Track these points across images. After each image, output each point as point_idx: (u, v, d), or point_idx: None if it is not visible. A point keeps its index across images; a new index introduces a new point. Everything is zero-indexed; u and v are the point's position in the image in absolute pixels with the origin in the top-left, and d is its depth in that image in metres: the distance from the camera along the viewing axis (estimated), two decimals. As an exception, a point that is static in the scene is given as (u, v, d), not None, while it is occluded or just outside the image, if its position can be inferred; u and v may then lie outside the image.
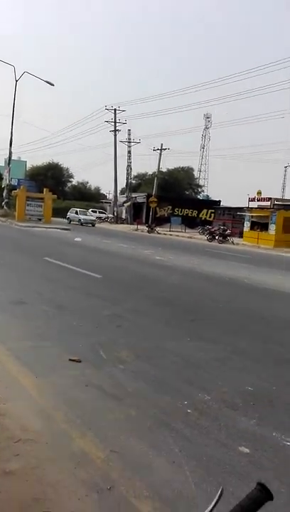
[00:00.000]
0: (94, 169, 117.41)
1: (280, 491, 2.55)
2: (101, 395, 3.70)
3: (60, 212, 41.44)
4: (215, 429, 3.24)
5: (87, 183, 69.49)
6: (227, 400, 3.78)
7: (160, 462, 2.77)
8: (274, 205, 32.80)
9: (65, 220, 39.44)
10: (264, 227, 29.80)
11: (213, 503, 0.81)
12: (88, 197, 62.34)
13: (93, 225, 38.28)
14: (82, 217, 39.44)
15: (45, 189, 35.86)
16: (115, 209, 50.42)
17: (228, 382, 4.18)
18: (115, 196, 52.29)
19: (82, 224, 37.70)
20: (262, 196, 34.19)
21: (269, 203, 32.81)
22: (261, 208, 31.91)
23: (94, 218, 41.22)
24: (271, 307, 8.36)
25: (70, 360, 4.42)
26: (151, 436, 3.07)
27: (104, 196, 71.06)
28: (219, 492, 0.83)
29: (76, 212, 40.69)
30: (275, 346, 5.62)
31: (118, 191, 53.64)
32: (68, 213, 41.15)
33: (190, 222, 44.34)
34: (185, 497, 2.44)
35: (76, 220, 39.06)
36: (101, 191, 73.93)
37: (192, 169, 71.58)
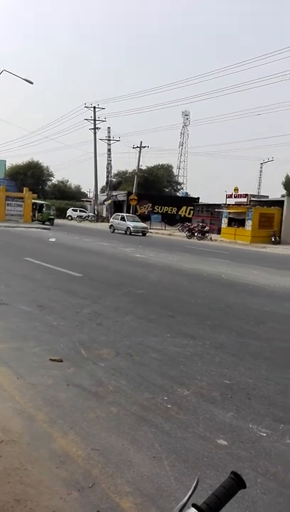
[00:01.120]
0: (75, 167, 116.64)
1: (257, 481, 2.64)
2: (82, 394, 3.72)
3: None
4: (194, 422, 3.32)
5: (67, 181, 69.03)
6: (205, 393, 3.86)
7: (140, 458, 2.82)
8: (251, 201, 33.27)
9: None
10: (241, 223, 30.20)
11: (189, 493, 0.84)
12: (68, 196, 61.89)
13: (144, 234, 30.09)
14: (131, 224, 30.40)
15: (24, 188, 35.61)
16: (96, 207, 50.25)
17: (206, 377, 4.26)
18: (96, 195, 52.11)
19: (130, 233, 29.53)
20: (239, 193, 34.61)
21: (245, 200, 33.25)
22: (238, 205, 32.32)
23: (146, 225, 32.52)
24: (248, 302, 8.51)
25: (51, 359, 4.43)
26: (132, 433, 3.12)
27: (84, 195, 70.69)
28: (194, 482, 0.87)
29: (122, 218, 31.69)
30: (251, 340, 5.74)
31: (98, 189, 53.46)
32: (111, 219, 33.74)
33: (169, 220, 44.55)
34: (166, 491, 2.49)
35: (122, 229, 30.66)
36: (82, 190, 73.60)
37: (171, 167, 71.89)
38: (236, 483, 0.86)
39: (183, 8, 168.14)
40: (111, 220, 33.88)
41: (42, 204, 35.98)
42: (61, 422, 3.21)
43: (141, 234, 29.98)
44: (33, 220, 34.48)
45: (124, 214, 34.05)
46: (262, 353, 5.22)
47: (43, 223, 33.50)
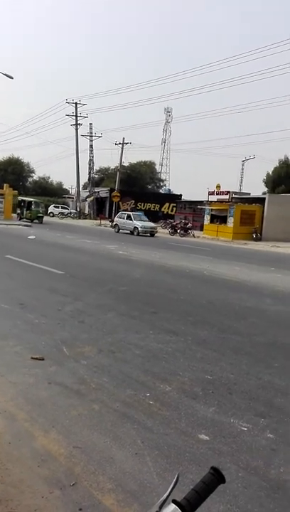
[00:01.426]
0: (56, 164, 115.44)
1: (238, 475, 2.67)
2: (64, 392, 3.70)
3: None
4: (176, 418, 3.33)
5: (49, 178, 68.43)
6: (187, 389, 3.89)
7: (123, 454, 2.82)
8: (232, 198, 33.55)
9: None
10: (223, 220, 30.43)
11: (169, 489, 0.85)
12: (50, 192, 61.38)
13: (152, 235, 27.51)
14: (138, 224, 27.57)
15: (5, 185, 35.03)
16: (78, 204, 49.92)
17: (188, 372, 4.29)
18: (78, 191, 51.74)
19: (138, 234, 26.90)
20: (221, 190, 34.86)
21: (227, 197, 33.51)
22: (220, 202, 32.55)
23: (155, 225, 29.51)
24: (229, 298, 8.59)
25: (32, 358, 4.39)
26: (114, 430, 3.12)
27: (66, 191, 70.13)
28: (175, 478, 0.87)
29: (128, 217, 28.81)
30: (233, 336, 5.80)
31: (80, 186, 53.12)
32: (116, 218, 30.73)
33: (152, 216, 44.48)
34: (148, 487, 2.50)
35: (128, 229, 28.04)
36: (64, 186, 73.02)
37: (154, 163, 71.92)
38: (216, 478, 0.87)
39: (166, 4, 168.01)
40: (115, 219, 30.81)
41: (30, 201, 34.38)
42: (42, 421, 3.19)
43: (149, 234, 26.98)
44: (20, 218, 33.34)
45: (130, 212, 30.40)
46: (243, 348, 5.28)
47: (32, 221, 32.16)
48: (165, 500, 0.82)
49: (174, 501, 0.81)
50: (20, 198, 36.79)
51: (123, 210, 34.08)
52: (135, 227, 27.64)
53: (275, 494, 2.50)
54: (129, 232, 28.08)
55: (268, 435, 3.17)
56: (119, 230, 29.21)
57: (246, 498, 2.44)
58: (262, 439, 3.12)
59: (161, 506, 0.81)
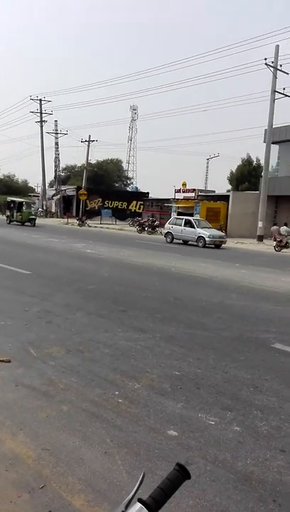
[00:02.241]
0: (21, 162, 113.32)
1: (206, 469, 2.72)
2: (31, 394, 3.65)
3: None
4: (145, 415, 3.35)
5: (14, 176, 67.01)
6: (156, 386, 3.92)
7: (92, 454, 2.81)
8: (198, 196, 33.96)
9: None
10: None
11: (135, 488, 0.85)
12: (15, 191, 60.14)
13: (218, 246, 21.96)
14: (204, 232, 21.59)
15: None
16: (44, 202, 49.13)
17: (157, 369, 4.33)
18: (43, 189, 50.93)
19: (205, 245, 21.32)
20: (187, 187, 35.22)
21: (193, 194, 33.89)
22: (186, 199, 32.87)
23: (223, 234, 23.68)
24: (196, 294, 8.71)
25: (-2, 360, 4.30)
26: (83, 430, 3.10)
27: (32, 189, 68.94)
28: (140, 477, 0.88)
29: (188, 223, 22.52)
30: (200, 331, 5.89)
31: (47, 184, 52.29)
32: (167, 225, 24.15)
33: (120, 215, 44.52)
34: (118, 486, 2.51)
35: (189, 238, 22.38)
36: (29, 184, 71.74)
37: (120, 161, 71.77)
38: (181, 475, 0.88)
39: (133, 1, 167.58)
40: (166, 225, 24.08)
41: (21, 202, 31.31)
42: (10, 424, 3.13)
43: (213, 246, 21.70)
44: (10, 221, 30.88)
45: (190, 218, 23.81)
46: (210, 343, 5.37)
47: (23, 224, 29.97)
48: (131, 500, 0.82)
49: (140, 500, 0.82)
50: (9, 198, 34.34)
51: (178, 215, 27.15)
52: (200, 237, 21.53)
53: (242, 486, 2.57)
54: (189, 242, 22.39)
55: (235, 428, 3.25)
56: (172, 239, 23.01)
57: (214, 492, 2.49)
58: (229, 432, 3.19)
59: (127, 506, 0.82)
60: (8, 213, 32.36)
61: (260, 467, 2.76)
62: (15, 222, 30.77)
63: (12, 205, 31.49)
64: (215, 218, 30.36)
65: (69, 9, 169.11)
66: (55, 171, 52.57)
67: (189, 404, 3.60)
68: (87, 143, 45.39)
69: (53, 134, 50.83)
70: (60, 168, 54.29)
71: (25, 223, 30.14)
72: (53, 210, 49.49)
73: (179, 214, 31.82)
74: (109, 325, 5.89)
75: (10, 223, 30.95)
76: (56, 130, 50.58)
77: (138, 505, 0.81)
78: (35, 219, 30.70)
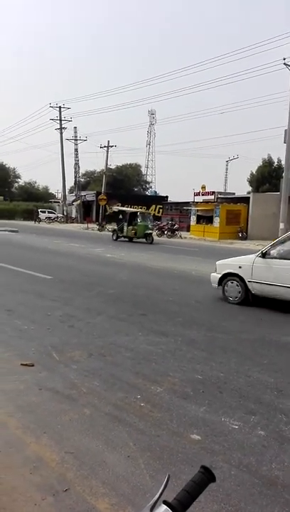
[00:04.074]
0: (42, 168, 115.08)
1: (230, 473, 2.69)
2: (55, 397, 3.68)
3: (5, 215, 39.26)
4: (167, 419, 3.34)
5: (35, 182, 68.10)
6: (178, 390, 3.90)
7: (115, 458, 2.82)
8: (218, 198, 33.78)
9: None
10: (209, 220, 30.61)
11: (160, 490, 0.85)
12: (36, 197, 61.06)
13: None
14: None
15: None
16: (64, 208, 49.66)
17: (179, 373, 4.31)
18: (64, 195, 51.49)
19: None
20: (206, 190, 35.05)
21: (212, 197, 33.70)
22: (205, 202, 32.74)
23: None
24: (217, 297, 8.64)
25: (22, 364, 4.36)
26: (106, 433, 3.11)
27: (52, 196, 69.80)
28: (165, 479, 0.88)
29: None
30: (221, 335, 5.83)
31: (67, 190, 52.88)
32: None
33: (139, 219, 44.52)
34: (141, 489, 2.50)
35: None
36: (50, 191, 72.71)
37: (139, 166, 72.04)
38: (206, 477, 0.88)
39: (148, 7, 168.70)
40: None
41: (134, 213, 24.54)
42: (34, 427, 3.16)
43: None
44: (118, 237, 24.13)
45: None
46: (231, 346, 5.32)
47: (130, 240, 23.77)
48: (156, 502, 0.82)
49: (165, 502, 0.81)
50: (115, 207, 27.63)
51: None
52: None
53: (267, 490, 2.53)
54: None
55: (259, 432, 3.20)
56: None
57: (239, 496, 2.46)
58: (253, 436, 3.14)
59: (152, 508, 0.82)
60: (115, 227, 25.56)
61: (285, 472, 2.71)
62: (122, 238, 24.15)
63: (121, 216, 24.62)
64: (235, 220, 30.11)
65: (86, 14, 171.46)
66: (75, 176, 53.12)
67: (212, 408, 3.57)
68: (106, 148, 45.76)
69: (73, 141, 51.43)
70: (80, 174, 54.83)
71: (136, 239, 23.67)
72: (73, 216, 49.96)
73: (199, 217, 31.73)
74: (130, 329, 5.90)
75: (117, 239, 24.12)
76: (75, 136, 51.16)
77: (164, 507, 0.81)
78: (151, 234, 23.66)
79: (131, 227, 23.63)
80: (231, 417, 3.42)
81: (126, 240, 23.90)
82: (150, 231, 23.68)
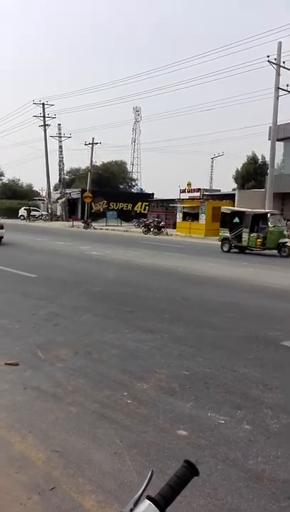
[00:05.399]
0: (26, 166, 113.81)
1: (217, 467, 2.70)
2: (40, 396, 3.65)
3: None
4: (154, 415, 3.34)
5: (19, 180, 67.26)
6: (164, 386, 3.90)
7: (102, 455, 2.80)
8: (203, 195, 33.87)
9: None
10: (195, 217, 30.75)
11: (143, 486, 0.85)
12: (20, 195, 60.36)
13: None
14: None
15: None
16: (49, 206, 49.32)
17: (165, 369, 4.31)
18: (48, 193, 51.12)
19: None
20: (192, 187, 35.15)
21: (198, 194, 33.81)
22: (191, 199, 32.81)
23: None
24: (204, 294, 8.68)
25: (7, 364, 4.31)
26: (92, 431, 3.09)
27: (37, 193, 69.17)
28: (149, 475, 0.87)
29: None
30: (208, 331, 5.86)
31: (51, 187, 52.48)
32: None
33: (125, 216, 44.53)
34: (128, 486, 2.50)
35: None
36: (34, 188, 72.00)
37: (125, 163, 71.84)
38: (189, 472, 0.88)
39: (132, 4, 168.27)
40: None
41: (261, 215, 18.20)
42: (19, 427, 3.13)
43: None
44: (231, 247, 18.58)
45: None
46: (219, 342, 5.34)
47: (243, 251, 18.39)
48: (140, 497, 0.82)
49: (148, 497, 0.81)
50: (225, 208, 20.51)
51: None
52: None
53: (254, 484, 2.54)
54: None
55: (245, 426, 3.22)
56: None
57: (225, 490, 2.47)
58: (239, 430, 3.16)
59: (136, 503, 0.81)
60: (226, 233, 18.96)
61: (271, 465, 2.73)
62: (249, 248, 18.15)
63: (235, 220, 18.76)
64: (221, 217, 30.27)
65: (70, 12, 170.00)
66: (60, 174, 52.85)
67: (198, 403, 3.58)
68: (90, 145, 45.53)
69: (57, 138, 51.08)
70: (65, 172, 54.56)
71: (257, 250, 17.95)
72: (58, 214, 49.62)
73: (185, 214, 31.81)
74: (117, 326, 5.89)
75: (229, 250, 18.57)
76: (60, 134, 50.83)
77: (147, 502, 0.80)
78: (287, 242, 17.37)
79: (255, 235, 17.42)
80: (217, 412, 3.43)
81: (238, 251, 18.53)
82: (285, 240, 17.29)
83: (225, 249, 18.83)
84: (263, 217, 17.97)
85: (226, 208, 20.50)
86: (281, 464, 2.75)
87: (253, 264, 14.21)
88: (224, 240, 19.11)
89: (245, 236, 17.77)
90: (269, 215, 17.83)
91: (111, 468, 2.67)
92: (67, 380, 3.98)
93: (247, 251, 18.27)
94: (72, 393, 3.71)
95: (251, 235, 17.57)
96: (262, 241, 17.17)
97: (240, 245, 18.18)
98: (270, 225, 17.19)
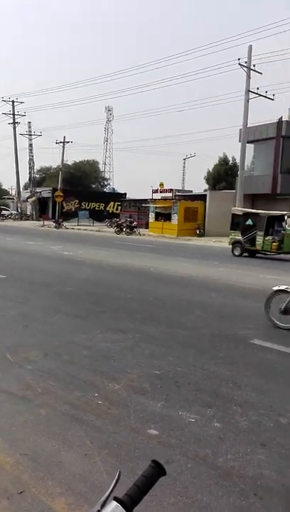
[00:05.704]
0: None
1: (187, 466, 2.72)
2: (9, 399, 3.58)
3: None
4: (125, 415, 3.33)
5: (-13, 178, 65.79)
6: (136, 386, 3.90)
7: (72, 457, 2.78)
8: (176, 195, 34.14)
9: None
10: (168, 217, 30.95)
11: (111, 487, 0.84)
12: (-12, 193, 59.09)
13: None
14: None
15: None
16: (19, 205, 48.47)
17: (137, 369, 4.31)
18: (18, 192, 50.24)
19: None
20: (164, 188, 35.36)
21: (170, 194, 34.04)
22: (164, 199, 33.00)
23: None
24: (176, 293, 8.74)
25: (-26, 366, 4.21)
26: (63, 433, 3.06)
27: (6, 192, 67.90)
28: (116, 475, 0.87)
29: None
30: (179, 330, 5.90)
31: (21, 186, 51.63)
32: None
33: (97, 216, 44.33)
34: (98, 487, 2.48)
35: None
36: (3, 187, 70.64)
37: (97, 162, 71.51)
38: (156, 471, 0.88)
39: (103, 3, 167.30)
40: None
41: (276, 217, 17.09)
42: (-14, 431, 3.06)
43: None
44: (243, 250, 17.51)
45: None
46: (189, 341, 5.39)
47: (253, 255, 17.44)
48: (107, 498, 0.82)
49: (115, 498, 0.81)
50: (236, 209, 19.41)
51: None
52: None
53: (223, 481, 2.57)
54: None
55: (215, 424, 3.26)
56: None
57: (196, 488, 2.49)
58: (209, 428, 3.20)
59: (103, 504, 0.81)
60: (237, 236, 17.89)
61: (241, 462, 2.78)
62: (262, 252, 17.23)
63: (248, 222, 17.85)
64: (193, 217, 30.61)
65: (39, 10, 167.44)
66: (30, 172, 51.95)
67: (169, 402, 3.60)
68: (62, 144, 45.02)
69: (27, 136, 50.23)
70: (35, 170, 53.66)
71: (271, 254, 16.93)
72: (28, 213, 48.84)
73: (157, 214, 31.94)
74: (88, 327, 5.84)
75: (241, 255, 17.49)
76: (30, 132, 49.99)
77: (114, 503, 0.80)
78: None
79: (270, 238, 16.46)
80: (188, 410, 3.46)
81: (248, 255, 17.46)
82: None
83: (237, 253, 17.71)
84: (279, 219, 16.91)
85: (237, 209, 19.27)
86: (249, 460, 2.80)
87: (224, 264, 14.38)
88: (235, 244, 17.95)
89: (259, 239, 16.77)
90: (286, 217, 16.61)
91: (82, 469, 2.64)
92: (37, 382, 3.92)
93: (259, 255, 17.54)
94: (42, 395, 3.66)
95: (266, 238, 16.58)
96: (278, 245, 16.26)
97: (253, 249, 17.27)
98: (288, 227, 16.21)
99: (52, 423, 3.19)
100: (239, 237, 17.69)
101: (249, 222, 17.65)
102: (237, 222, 18.43)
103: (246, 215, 18.06)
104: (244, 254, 17.67)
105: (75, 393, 3.71)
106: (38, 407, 3.43)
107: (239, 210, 19.13)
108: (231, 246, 18.23)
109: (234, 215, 18.68)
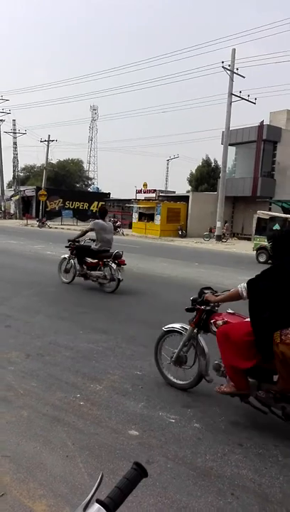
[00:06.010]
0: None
1: (167, 466, 2.76)
2: (-10, 401, 3.56)
3: None
4: (106, 416, 3.36)
5: None
6: (117, 387, 3.94)
7: (53, 459, 2.79)
8: (159, 196, 34.30)
9: None
10: (151, 217, 31.06)
11: (93, 489, 0.86)
12: None
13: None
14: None
15: None
16: (2, 204, 47.86)
17: (118, 370, 4.35)
18: (1, 190, 49.59)
19: None
20: (148, 188, 35.48)
21: (154, 195, 34.19)
22: (147, 200, 33.11)
23: None
24: (157, 293, 8.79)
25: None
26: (44, 434, 3.07)
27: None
28: (99, 478, 0.89)
29: None
30: (160, 330, 5.92)
31: (5, 185, 50.96)
32: None
33: (81, 215, 44.16)
34: (79, 489, 2.50)
35: None
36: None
37: (81, 162, 71.18)
38: (138, 473, 0.90)
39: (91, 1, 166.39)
40: None
41: None
42: None
43: None
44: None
45: None
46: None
47: None
48: (89, 501, 0.84)
49: (98, 501, 0.83)
50: (265, 212, 18.24)
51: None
52: None
53: (202, 481, 2.63)
54: None
55: (194, 425, 3.32)
56: None
57: (175, 489, 2.54)
58: (189, 429, 3.25)
59: (86, 507, 0.83)
60: (263, 242, 16.24)
61: (219, 462, 2.84)
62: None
63: (275, 227, 16.79)
64: (175, 218, 30.78)
65: (25, 8, 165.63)
66: (14, 171, 51.41)
67: (150, 403, 3.64)
68: (46, 143, 44.64)
69: (11, 134, 49.66)
70: (19, 168, 53.16)
71: None
72: (12, 212, 48.29)
73: (140, 214, 31.99)
74: (70, 327, 5.85)
75: (266, 262, 15.79)
76: (14, 130, 49.45)
77: (96, 505, 0.82)
78: None
79: None
80: (168, 411, 3.51)
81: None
82: None
83: (262, 259, 16.47)
84: None
85: (264, 213, 17.99)
86: (227, 460, 2.87)
87: (204, 265, 14.48)
88: (260, 250, 16.60)
89: None
90: None
91: (63, 471, 2.66)
92: (19, 383, 3.92)
93: None
94: (24, 396, 3.66)
95: None
96: None
97: None
98: None
99: (34, 424, 3.20)
100: (265, 243, 15.79)
101: (276, 226, 16.69)
102: (263, 227, 17.31)
103: (273, 220, 17.22)
104: (269, 261, 16.05)
105: (57, 394, 3.72)
106: (19, 409, 3.43)
107: (265, 213, 18.10)
108: (255, 252, 17.25)
109: (259, 220, 17.63)
